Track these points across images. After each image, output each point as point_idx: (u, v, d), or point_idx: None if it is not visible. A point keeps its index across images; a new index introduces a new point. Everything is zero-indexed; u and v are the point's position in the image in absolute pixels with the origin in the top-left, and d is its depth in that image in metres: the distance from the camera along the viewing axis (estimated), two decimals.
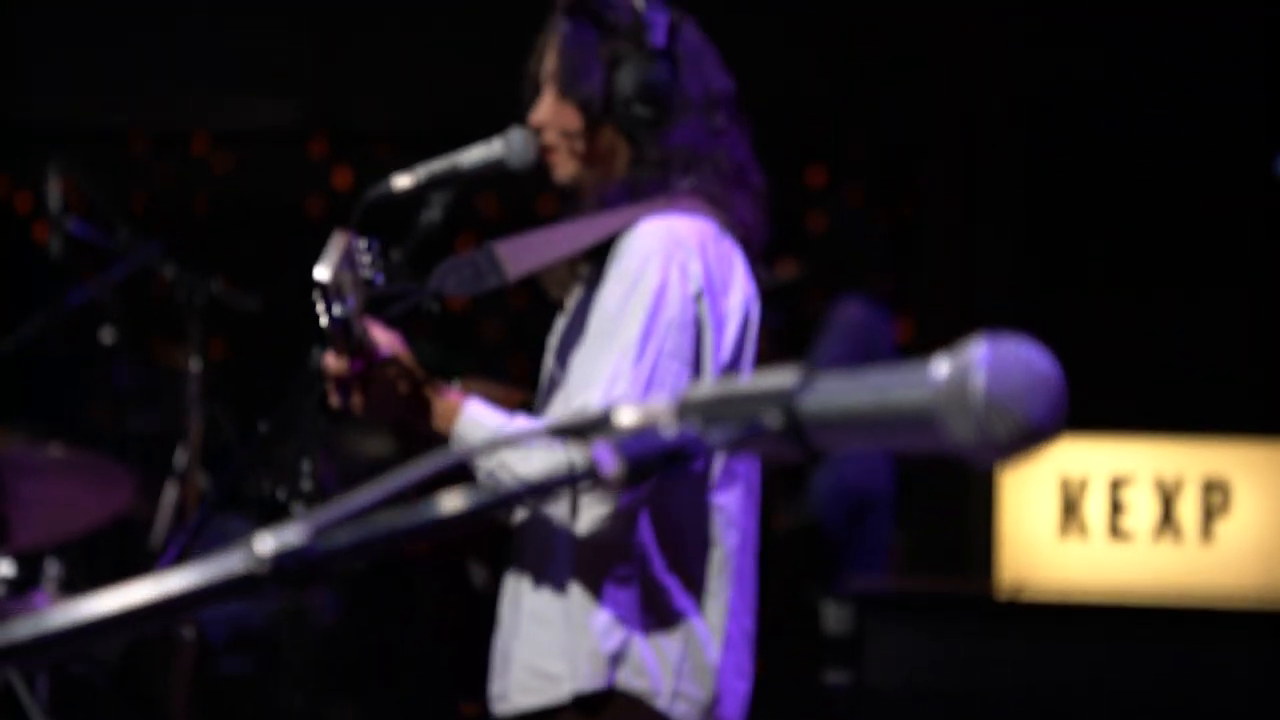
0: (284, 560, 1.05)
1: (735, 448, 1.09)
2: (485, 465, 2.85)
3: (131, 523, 4.87)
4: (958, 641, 4.20)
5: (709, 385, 1.10)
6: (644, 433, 1.10)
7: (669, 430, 1.10)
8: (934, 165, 6.31)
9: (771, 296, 4.41)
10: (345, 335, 2.80)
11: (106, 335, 4.50)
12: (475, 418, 2.87)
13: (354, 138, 7.10)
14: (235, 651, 5.47)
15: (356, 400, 2.90)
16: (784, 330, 7.06)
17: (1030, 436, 1.06)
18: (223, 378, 6.05)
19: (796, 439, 1.09)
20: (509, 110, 3.22)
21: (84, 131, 6.91)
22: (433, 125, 6.42)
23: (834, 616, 4.06)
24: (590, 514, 2.80)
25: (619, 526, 2.83)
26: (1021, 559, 4.63)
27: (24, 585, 4.19)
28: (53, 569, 4.26)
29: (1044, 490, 4.66)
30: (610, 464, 1.09)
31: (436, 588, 3.10)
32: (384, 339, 2.91)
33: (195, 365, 4.06)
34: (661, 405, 1.10)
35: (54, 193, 4.24)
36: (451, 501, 1.13)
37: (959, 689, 4.14)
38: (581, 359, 2.95)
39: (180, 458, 4.12)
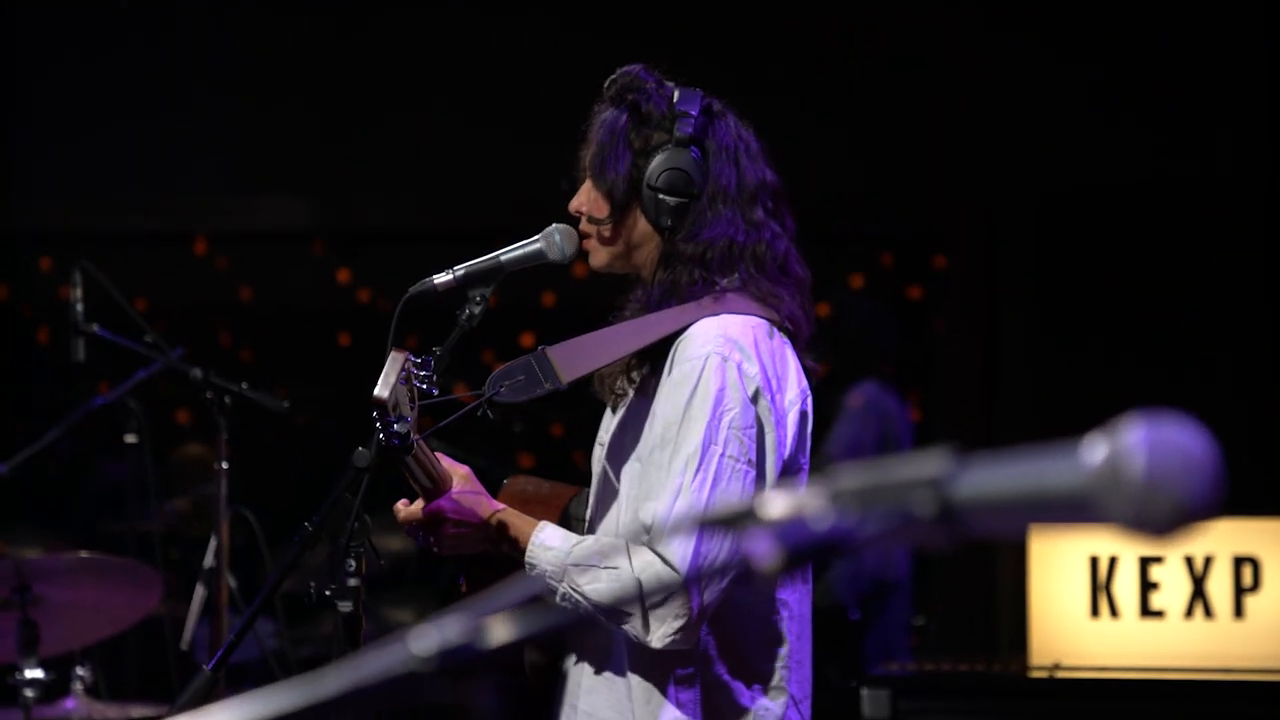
0: (448, 656, 1.04)
1: (887, 536, 1.09)
2: (558, 588, 2.85)
3: (158, 624, 4.84)
4: None
5: (857, 472, 1.09)
6: (796, 523, 1.09)
7: (821, 520, 1.09)
8: (951, 253, 6.33)
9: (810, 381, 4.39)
10: (405, 450, 2.82)
11: (130, 438, 4.49)
12: (544, 543, 2.88)
13: (357, 237, 7.11)
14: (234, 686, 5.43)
15: (432, 542, 2.94)
16: None
17: (1188, 517, 1.05)
18: (247, 477, 6.05)
19: (949, 525, 1.09)
20: (529, 207, 3.24)
21: (81, 235, 6.92)
22: (443, 223, 6.44)
23: (870, 701, 4.03)
24: (665, 628, 2.79)
25: (694, 636, 2.82)
26: (1053, 639, 4.61)
27: (54, 690, 4.16)
28: (82, 673, 4.24)
29: (1074, 569, 4.65)
30: (768, 555, 1.08)
31: (492, 680, 3.08)
32: (456, 474, 2.93)
33: (223, 465, 4.07)
34: (812, 494, 1.10)
35: (77, 296, 4.25)
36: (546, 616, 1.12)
37: None
38: (645, 469, 2.94)
39: (208, 557, 4.11)
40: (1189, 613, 4.61)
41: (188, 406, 7.05)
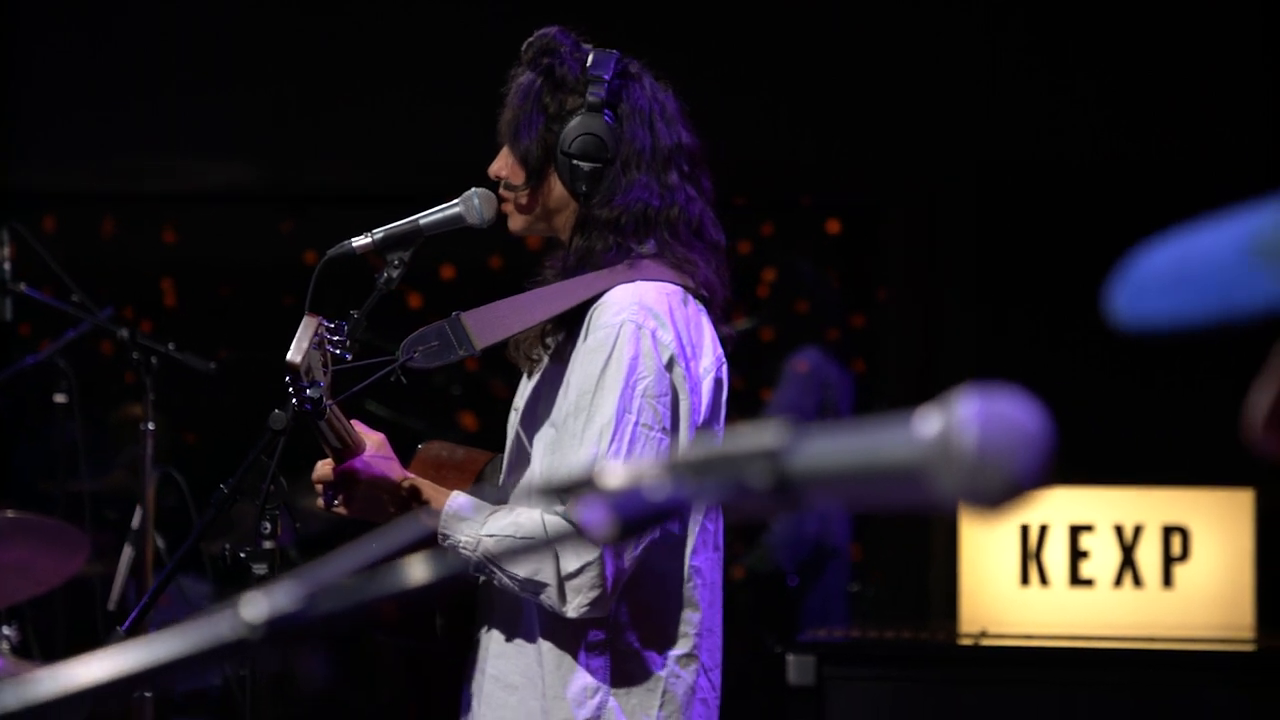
0: (277, 624, 1.04)
1: (723, 505, 1.09)
2: (473, 559, 2.85)
3: (88, 584, 4.83)
4: (918, 689, 4.20)
5: (696, 446, 1.09)
6: (632, 493, 1.10)
7: (658, 490, 1.10)
8: (893, 222, 6.34)
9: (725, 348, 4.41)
10: (317, 415, 2.82)
11: (59, 397, 4.47)
12: (458, 513, 2.88)
13: (307, 199, 7.08)
14: (196, 711, 5.43)
15: (342, 503, 2.93)
16: (739, 383, 7.07)
17: (1019, 490, 1.06)
18: (178, 438, 6.04)
19: (784, 497, 1.09)
20: (471, 170, 3.22)
21: (35, 196, 6.89)
22: (388, 186, 6.42)
23: (795, 667, 4.05)
24: (580, 599, 2.80)
25: (608, 605, 2.83)
26: (983, 607, 4.63)
27: None
28: (7, 633, 4.22)
29: (1004, 538, 4.67)
30: (601, 523, 1.08)
31: (401, 647, 3.09)
32: (370, 440, 2.93)
33: (149, 426, 4.05)
34: (649, 466, 1.10)
35: (5, 256, 4.23)
36: (426, 568, 1.12)
37: None
38: (559, 437, 2.94)
39: (136, 518, 4.10)
40: (1118, 582, 4.64)
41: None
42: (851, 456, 1.08)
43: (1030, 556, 4.65)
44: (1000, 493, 1.06)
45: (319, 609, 1.05)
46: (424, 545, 2.90)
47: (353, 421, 2.93)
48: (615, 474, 1.10)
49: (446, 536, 2.85)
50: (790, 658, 4.14)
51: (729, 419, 3.08)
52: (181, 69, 6.49)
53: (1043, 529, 4.66)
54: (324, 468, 2.92)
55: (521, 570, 2.81)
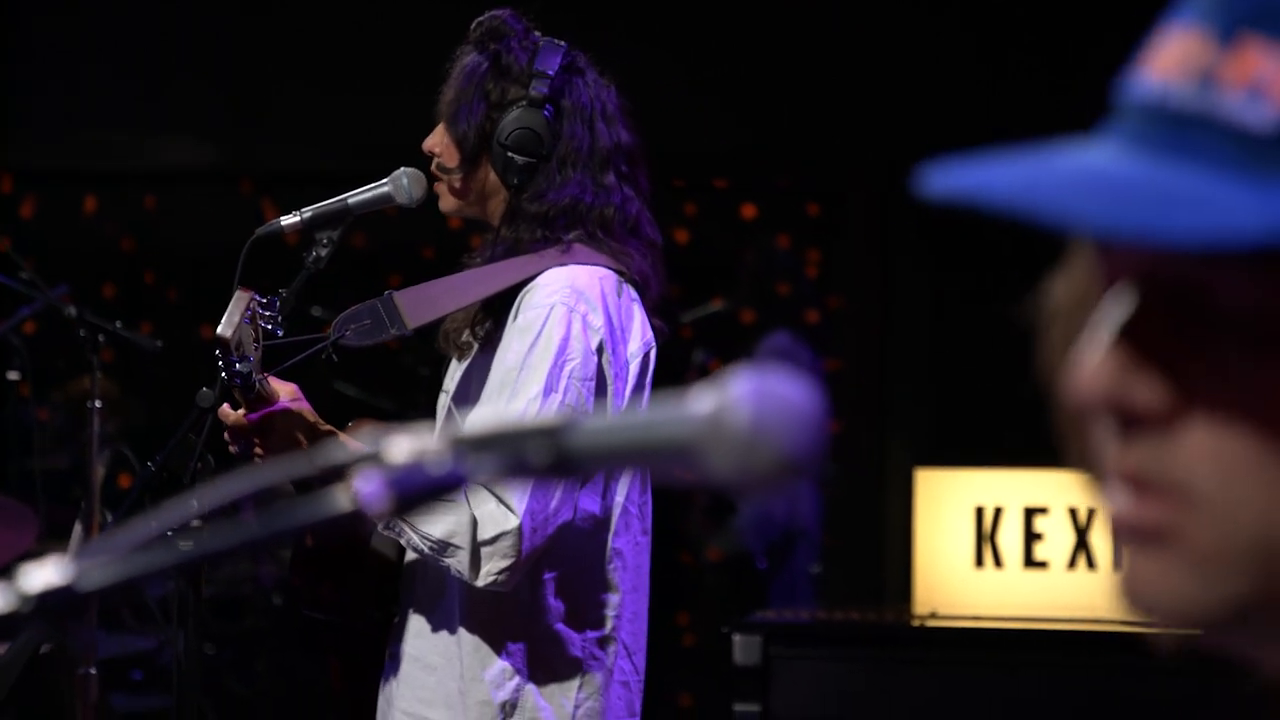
0: (48, 599, 1.05)
1: (503, 479, 1.10)
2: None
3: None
4: (864, 669, 4.21)
5: (482, 423, 1.11)
6: (414, 468, 1.11)
7: (439, 466, 1.11)
8: (855, 207, 6.35)
9: (699, 329, 4.40)
10: (247, 389, 2.83)
11: (12, 375, 4.49)
12: None
13: (276, 178, 7.09)
14: (152, 690, 5.45)
15: (256, 449, 2.93)
16: (714, 367, 7.09)
17: (789, 470, 1.07)
18: (132, 417, 6.05)
19: (564, 472, 1.10)
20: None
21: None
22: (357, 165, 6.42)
23: (741, 647, 4.07)
24: (491, 566, 2.81)
25: (517, 579, 2.83)
26: (937, 589, 4.64)
27: None
28: None
29: (959, 520, 4.68)
30: (378, 497, 1.09)
31: (326, 625, 3.10)
32: (283, 390, 2.93)
33: (96, 404, 4.07)
34: (432, 441, 1.11)
35: None
36: (227, 535, 1.13)
37: (866, 717, 4.15)
38: (483, 413, 2.95)
39: (85, 496, 4.11)
40: (1072, 564, 4.65)
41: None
42: (629, 434, 1.09)
43: (985, 539, 4.66)
44: (772, 470, 1.07)
45: (92, 584, 1.06)
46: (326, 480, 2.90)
47: (265, 375, 2.92)
48: (400, 448, 1.11)
49: None
50: (736, 638, 4.15)
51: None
52: (141, 48, 6.50)
53: (997, 511, 4.67)
54: (237, 415, 2.91)
55: (436, 530, 2.81)
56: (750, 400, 1.06)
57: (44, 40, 6.61)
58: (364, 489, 1.09)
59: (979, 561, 4.66)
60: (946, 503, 4.66)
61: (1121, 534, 0.86)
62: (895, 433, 6.36)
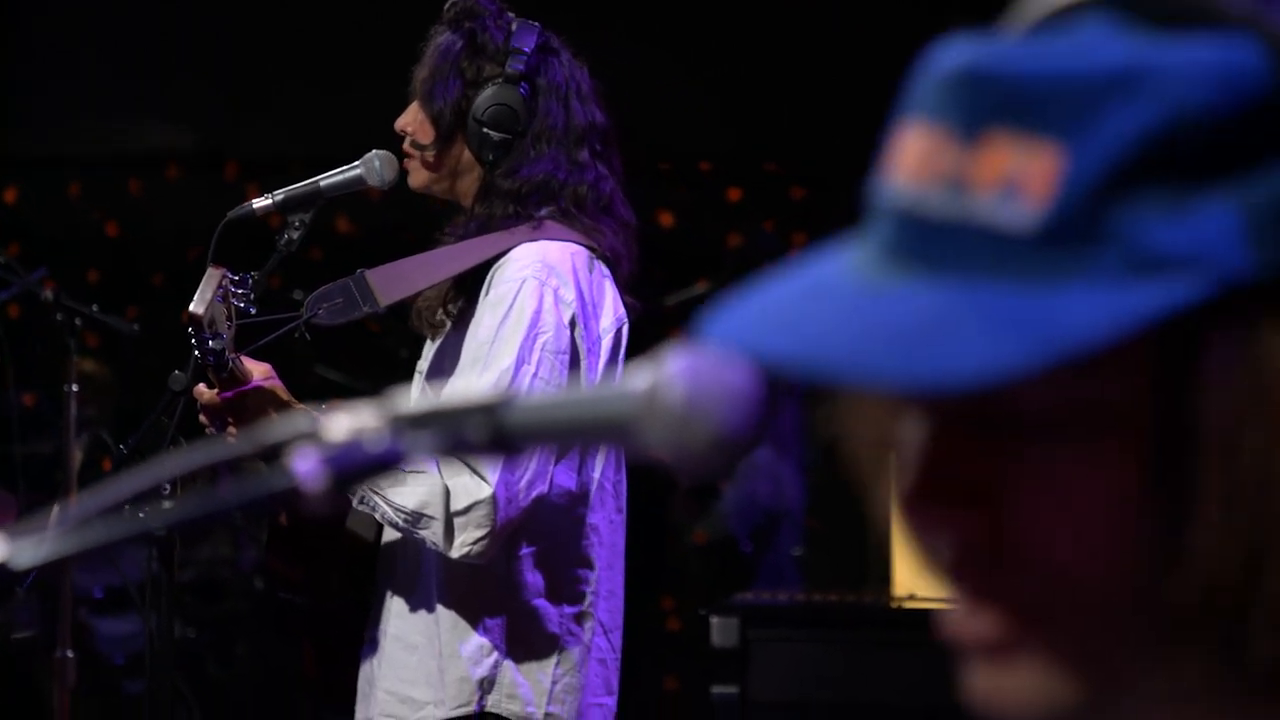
0: None
1: (442, 457, 1.10)
2: (359, 490, 2.87)
3: None
4: (841, 651, 4.22)
5: (420, 400, 1.11)
6: (351, 445, 1.11)
7: (376, 443, 1.11)
8: (840, 192, 6.35)
9: (684, 310, 4.42)
10: (219, 368, 2.83)
11: None
12: None
13: (261, 162, 7.09)
14: (136, 674, 5.46)
15: (229, 428, 2.93)
16: None
17: (725, 447, 1.07)
18: (120, 400, 6.05)
19: (502, 449, 1.11)
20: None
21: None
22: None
23: (719, 629, 4.08)
24: (465, 537, 2.82)
25: (492, 551, 2.84)
26: (916, 572, 4.65)
27: None
28: None
29: None
30: (314, 475, 1.09)
31: (299, 605, 3.11)
32: (256, 369, 2.94)
33: (73, 388, 4.07)
34: (371, 417, 1.11)
35: None
36: (162, 514, 1.13)
37: (844, 699, 4.16)
38: (456, 387, 2.96)
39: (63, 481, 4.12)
40: None
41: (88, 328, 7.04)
42: (566, 411, 1.10)
43: None
44: (707, 447, 1.07)
45: (19, 564, 1.06)
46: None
47: (239, 355, 2.93)
48: (339, 425, 1.11)
49: None
50: (714, 620, 4.16)
51: None
52: (125, 33, 6.49)
53: None
54: (211, 394, 2.92)
55: (410, 502, 2.82)
56: (685, 377, 1.07)
57: (28, 28, 6.60)
58: (301, 467, 1.09)
59: None
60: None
61: (964, 649, 0.86)
62: None
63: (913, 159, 0.81)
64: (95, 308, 4.15)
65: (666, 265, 7.36)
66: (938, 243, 0.79)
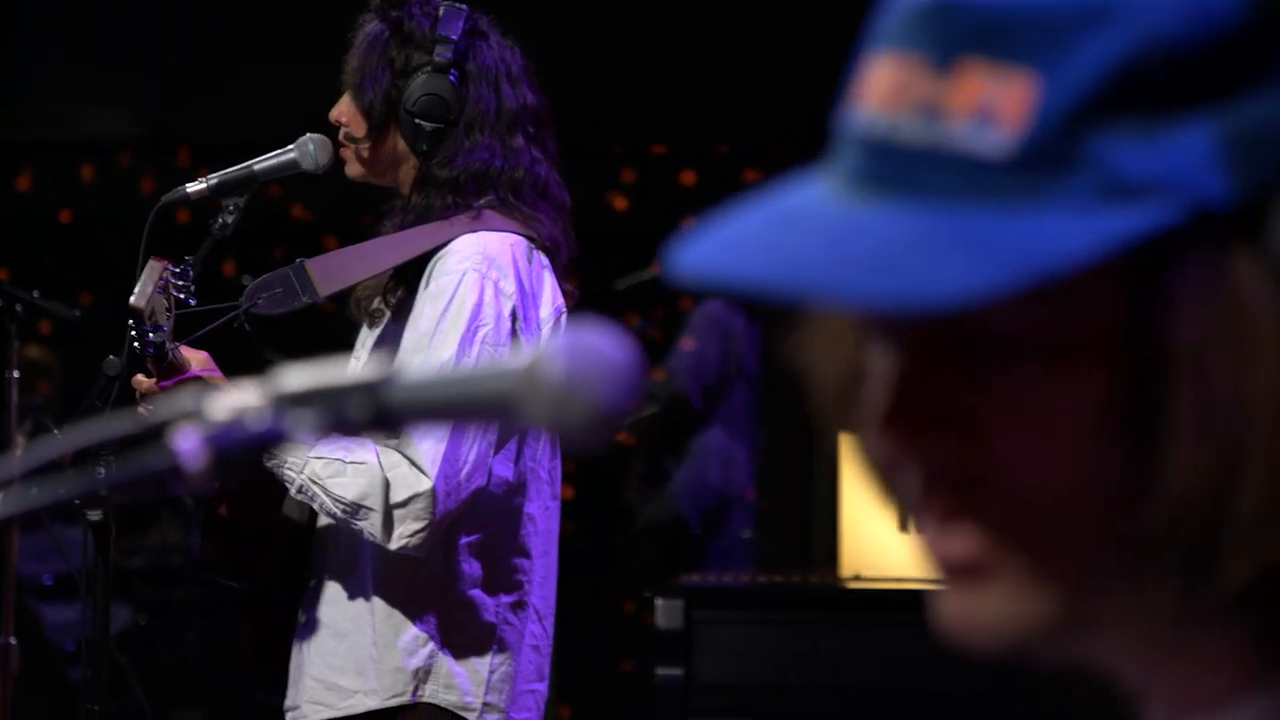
0: None
1: (323, 435, 1.11)
2: (295, 479, 2.86)
3: None
4: (786, 632, 4.23)
5: (301, 375, 1.11)
6: (233, 424, 1.11)
7: (258, 421, 1.11)
8: (794, 175, 6.35)
9: (636, 295, 4.40)
10: (159, 359, 2.83)
11: None
12: None
13: (213, 148, 7.07)
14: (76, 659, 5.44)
15: None
16: (652, 331, 7.10)
17: (603, 420, 1.08)
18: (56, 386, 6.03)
19: (383, 427, 1.11)
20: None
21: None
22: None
23: (664, 611, 4.08)
24: (404, 529, 2.82)
25: (431, 543, 2.84)
26: (863, 553, 4.65)
27: None
28: None
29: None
30: (196, 455, 1.10)
31: (231, 590, 3.11)
32: (194, 358, 2.93)
33: (14, 375, 4.06)
34: (252, 396, 1.11)
35: None
36: (39, 494, 1.13)
37: (790, 680, 4.17)
38: None
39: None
40: None
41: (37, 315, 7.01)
42: (448, 389, 1.10)
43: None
44: (586, 421, 1.07)
45: None
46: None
47: (177, 344, 2.93)
48: (220, 405, 1.11)
49: (272, 456, 2.86)
50: (659, 602, 4.17)
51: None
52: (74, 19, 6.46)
53: None
54: (149, 383, 2.92)
55: (349, 493, 2.82)
56: (564, 353, 1.07)
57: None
58: (182, 446, 1.10)
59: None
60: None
61: (938, 572, 0.87)
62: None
63: (884, 88, 0.82)
64: (36, 293, 4.14)
65: (619, 249, 7.37)
66: (912, 169, 0.80)
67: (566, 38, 6.06)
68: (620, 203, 7.52)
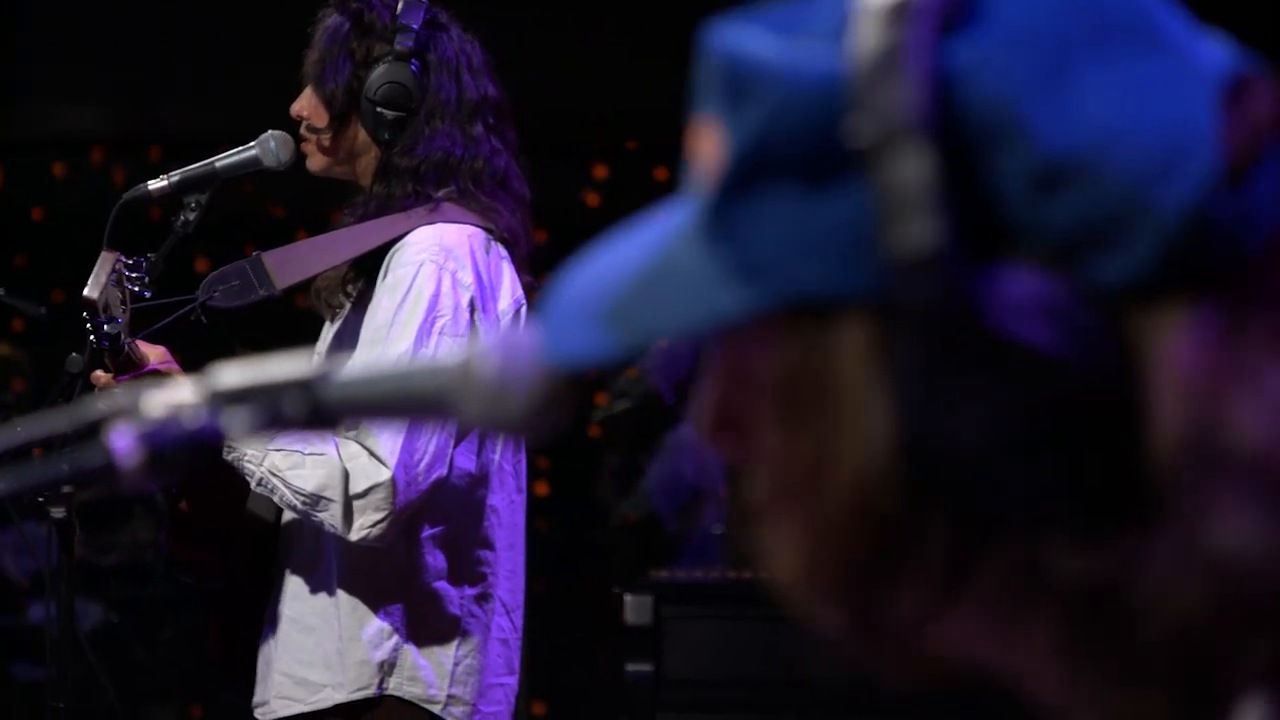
0: None
1: (259, 432, 1.11)
2: (255, 471, 2.87)
3: None
4: (755, 627, 4.24)
5: (236, 373, 1.11)
6: (169, 421, 1.11)
7: (194, 419, 1.11)
8: None
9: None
10: (115, 352, 2.83)
11: None
12: None
13: (184, 144, 7.06)
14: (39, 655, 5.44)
15: None
16: None
17: (537, 419, 1.08)
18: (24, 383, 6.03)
19: (319, 424, 1.11)
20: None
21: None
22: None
23: (633, 607, 4.09)
24: (364, 520, 2.82)
25: (391, 534, 2.84)
26: None
27: None
28: None
29: None
30: (130, 453, 1.10)
31: (197, 587, 3.11)
32: (152, 353, 2.93)
33: None
34: (187, 392, 1.12)
35: None
36: None
37: (759, 676, 4.18)
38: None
39: None
40: None
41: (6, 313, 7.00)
42: (383, 385, 1.10)
43: None
44: (519, 419, 1.08)
45: None
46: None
47: (134, 341, 2.93)
48: (156, 402, 1.12)
49: (232, 449, 2.86)
50: (628, 598, 4.17)
51: None
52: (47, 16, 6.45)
53: None
54: (107, 378, 2.92)
55: (309, 485, 2.82)
56: (497, 350, 1.08)
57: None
58: (117, 443, 1.10)
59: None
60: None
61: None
62: None
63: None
64: (2, 290, 4.13)
65: (592, 245, 7.35)
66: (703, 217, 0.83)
67: (566, 38, 6.08)
68: (593, 199, 7.52)
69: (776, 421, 0.82)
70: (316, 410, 1.10)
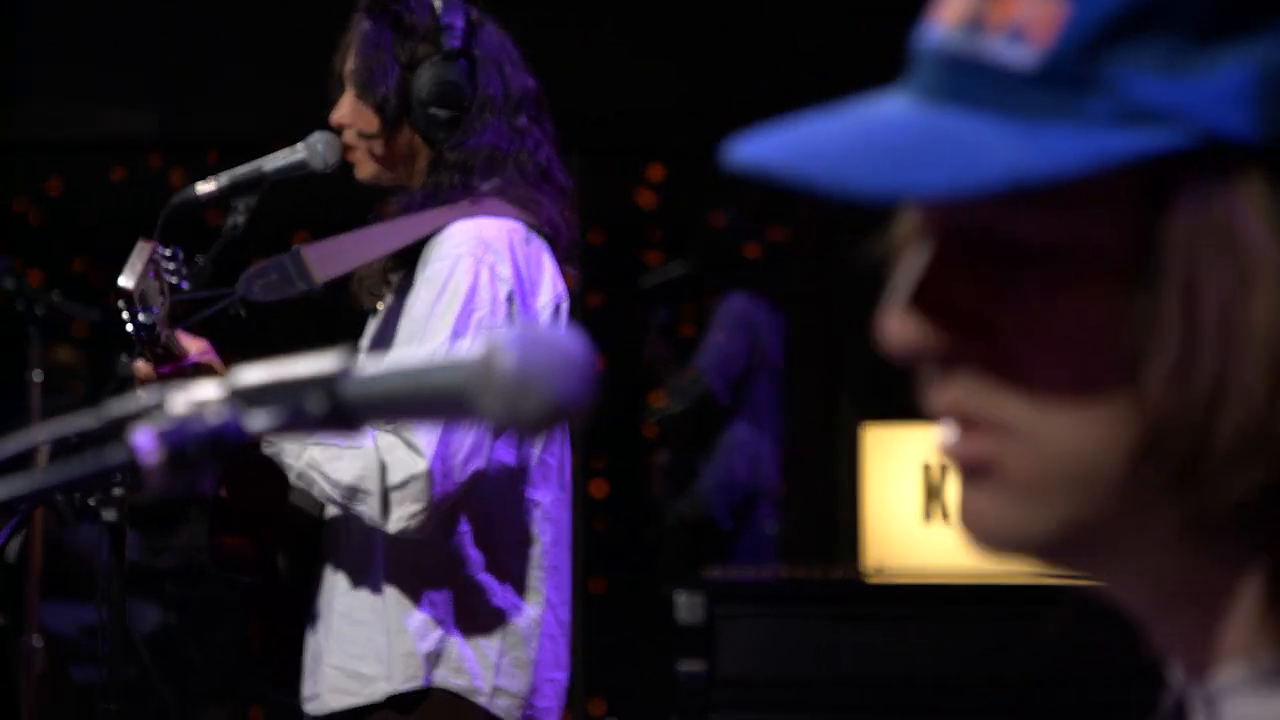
0: None
1: (281, 432, 1.11)
2: (294, 465, 2.88)
3: None
4: (809, 626, 4.22)
5: (259, 371, 1.11)
6: (191, 419, 1.12)
7: (214, 417, 1.12)
8: None
9: (661, 292, 4.40)
10: (152, 342, 2.84)
11: None
12: None
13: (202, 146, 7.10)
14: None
15: None
16: (676, 326, 7.10)
17: (557, 412, 1.08)
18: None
19: (341, 421, 1.12)
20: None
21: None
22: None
23: (685, 606, 4.08)
24: (402, 511, 2.83)
25: (430, 525, 2.85)
26: (886, 545, 4.65)
27: None
28: None
29: (907, 477, 4.68)
30: (152, 452, 1.10)
31: (244, 585, 3.12)
32: (193, 346, 2.94)
33: (36, 376, 4.08)
34: (209, 391, 1.12)
35: None
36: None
37: (812, 674, 4.17)
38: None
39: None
40: None
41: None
42: (403, 382, 1.10)
43: (933, 494, 4.67)
44: (540, 414, 1.08)
45: None
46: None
47: (176, 332, 2.93)
48: (179, 401, 1.12)
49: (271, 442, 2.86)
50: (680, 597, 4.16)
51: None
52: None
53: (944, 467, 4.67)
54: (148, 369, 2.92)
55: (346, 477, 2.83)
56: (517, 346, 1.08)
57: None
58: (140, 442, 1.10)
59: (927, 516, 4.67)
60: (894, 459, 4.67)
61: (953, 468, 0.89)
62: (843, 389, 6.37)
63: (952, 5, 0.87)
64: (56, 294, 4.16)
65: (645, 245, 7.37)
66: (955, 79, 0.85)
67: (566, 38, 6.06)
68: (647, 199, 7.52)
69: (1089, 286, 0.81)
70: (337, 407, 1.10)
